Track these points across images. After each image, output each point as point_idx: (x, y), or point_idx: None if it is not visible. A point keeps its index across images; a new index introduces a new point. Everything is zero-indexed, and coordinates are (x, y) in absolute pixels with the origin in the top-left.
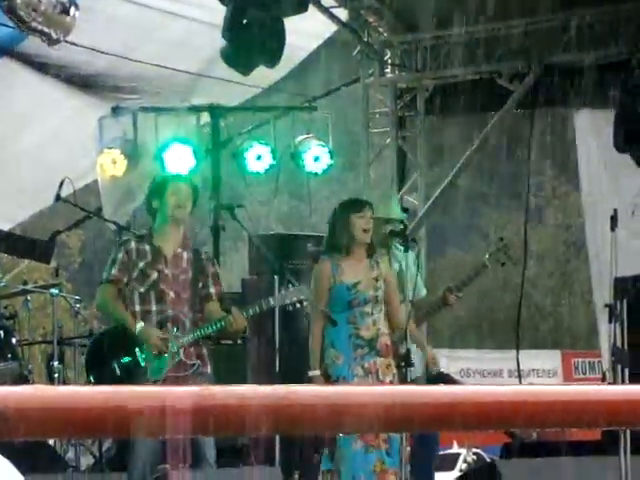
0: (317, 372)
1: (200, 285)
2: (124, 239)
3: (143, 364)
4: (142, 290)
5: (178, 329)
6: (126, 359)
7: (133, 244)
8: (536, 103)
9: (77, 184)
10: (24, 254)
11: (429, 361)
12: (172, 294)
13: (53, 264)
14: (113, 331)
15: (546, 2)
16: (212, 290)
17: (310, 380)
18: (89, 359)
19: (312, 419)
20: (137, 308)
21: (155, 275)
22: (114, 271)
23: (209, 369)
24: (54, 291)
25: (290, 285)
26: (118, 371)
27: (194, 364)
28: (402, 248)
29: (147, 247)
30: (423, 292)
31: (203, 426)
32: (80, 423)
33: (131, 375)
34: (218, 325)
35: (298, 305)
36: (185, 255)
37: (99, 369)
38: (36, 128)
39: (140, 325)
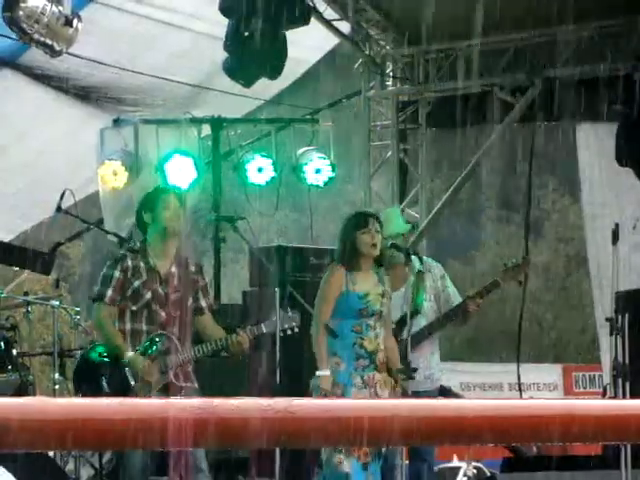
0: (327, 372)
1: (190, 300)
2: (120, 255)
3: (132, 383)
4: (134, 308)
5: (168, 349)
6: (115, 378)
7: (129, 261)
8: (537, 116)
9: (78, 195)
10: (24, 265)
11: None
12: (163, 314)
13: (53, 275)
14: (102, 349)
15: (548, 15)
16: (203, 303)
17: (318, 379)
18: (77, 377)
19: (312, 432)
20: (127, 326)
21: (149, 295)
22: (110, 292)
23: (196, 384)
24: (55, 303)
25: (281, 311)
26: (107, 389)
27: (182, 387)
28: (418, 261)
29: (142, 264)
30: (457, 299)
31: (204, 438)
32: (80, 435)
33: (119, 394)
34: (217, 346)
35: (289, 332)
36: (177, 273)
37: (88, 387)
38: (37, 139)
39: (129, 355)
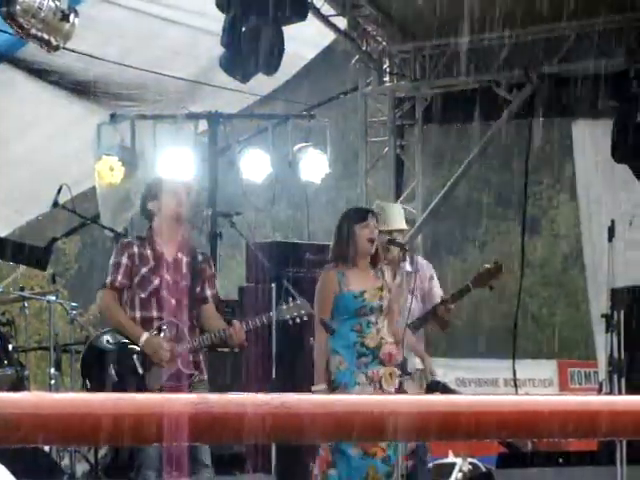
0: (323, 386)
1: (198, 289)
2: (126, 242)
3: (141, 372)
4: (143, 296)
5: (176, 336)
6: (124, 366)
7: (135, 248)
8: (534, 113)
9: (75, 190)
10: (21, 260)
11: (426, 370)
12: (173, 301)
13: (49, 271)
14: (110, 337)
15: (544, 12)
16: (208, 293)
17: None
18: (85, 364)
19: (308, 428)
20: (137, 314)
21: (157, 281)
22: (119, 277)
23: (205, 376)
24: (51, 298)
25: (291, 299)
26: (115, 378)
27: (192, 374)
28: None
29: (149, 252)
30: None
31: (199, 434)
32: (76, 430)
33: (128, 383)
34: (218, 337)
35: (298, 320)
36: (185, 259)
37: (95, 375)
38: (34, 134)
39: (145, 336)
